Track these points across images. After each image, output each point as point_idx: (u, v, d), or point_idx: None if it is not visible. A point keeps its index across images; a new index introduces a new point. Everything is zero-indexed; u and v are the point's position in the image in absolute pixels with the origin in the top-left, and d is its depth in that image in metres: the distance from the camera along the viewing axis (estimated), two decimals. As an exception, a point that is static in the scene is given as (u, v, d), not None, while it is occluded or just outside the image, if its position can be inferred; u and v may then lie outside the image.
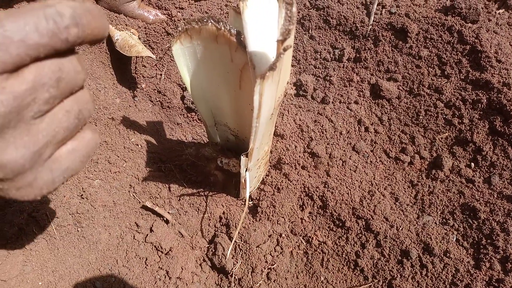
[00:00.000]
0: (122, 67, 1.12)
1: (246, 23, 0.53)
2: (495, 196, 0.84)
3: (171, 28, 1.09)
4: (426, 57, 0.99)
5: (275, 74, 0.50)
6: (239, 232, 0.90)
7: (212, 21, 0.58)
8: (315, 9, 1.09)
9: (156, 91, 1.11)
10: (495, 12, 1.04)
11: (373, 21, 1.05)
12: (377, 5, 1.06)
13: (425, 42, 0.99)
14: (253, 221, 0.92)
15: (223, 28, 0.58)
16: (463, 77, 0.95)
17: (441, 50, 0.98)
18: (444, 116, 0.95)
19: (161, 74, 1.11)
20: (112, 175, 0.98)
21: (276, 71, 0.49)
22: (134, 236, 0.92)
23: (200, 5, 1.13)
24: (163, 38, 1.11)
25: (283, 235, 0.90)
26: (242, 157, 0.72)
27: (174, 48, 0.63)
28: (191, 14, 1.11)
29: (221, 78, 0.67)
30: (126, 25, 1.08)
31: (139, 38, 1.08)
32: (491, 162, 0.88)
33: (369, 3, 1.07)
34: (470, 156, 0.90)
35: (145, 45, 1.10)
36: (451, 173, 0.91)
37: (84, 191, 0.94)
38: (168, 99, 1.10)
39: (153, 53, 1.09)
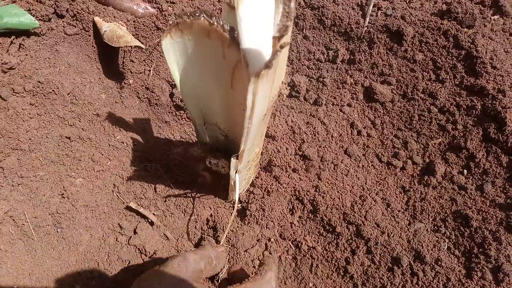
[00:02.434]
0: (109, 62, 1.08)
1: (241, 18, 0.50)
2: (488, 204, 0.83)
3: (161, 23, 1.06)
4: (421, 61, 0.97)
5: (270, 73, 0.47)
6: (226, 236, 0.87)
7: (204, 15, 0.55)
8: (309, 8, 1.07)
9: (144, 88, 1.07)
10: (490, 18, 1.03)
11: (368, 22, 1.03)
12: (373, 7, 1.04)
13: (420, 46, 0.98)
14: (241, 225, 0.89)
15: (216, 23, 0.55)
16: (457, 83, 0.94)
17: (436, 55, 0.96)
18: (437, 122, 0.93)
19: (149, 70, 1.08)
20: (95, 174, 0.95)
21: (272, 70, 0.46)
22: (117, 238, 0.88)
23: (191, 0, 1.10)
24: (152, 33, 1.07)
25: (272, 239, 0.87)
26: (232, 159, 0.70)
27: (163, 42, 0.59)
28: (183, 9, 1.08)
29: (212, 76, 0.64)
30: (114, 17, 1.04)
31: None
32: (484, 169, 0.87)
33: (364, 4, 1.05)
34: (463, 163, 0.89)
35: (133, 40, 1.06)
36: (443, 180, 0.89)
37: (65, 190, 0.90)
38: (157, 96, 1.07)
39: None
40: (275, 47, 0.44)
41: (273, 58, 0.45)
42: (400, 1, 1.06)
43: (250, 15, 0.50)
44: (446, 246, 0.82)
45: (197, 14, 0.55)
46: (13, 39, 0.94)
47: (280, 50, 0.44)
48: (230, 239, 0.87)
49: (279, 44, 0.44)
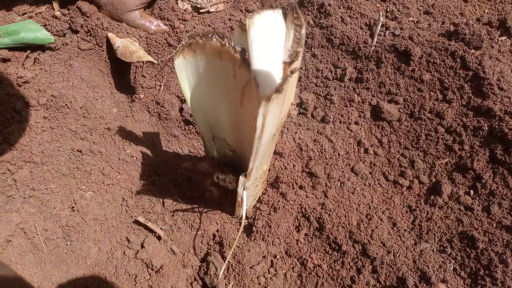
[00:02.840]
0: (121, 76, 1.10)
1: (252, 41, 0.52)
2: (494, 226, 0.83)
3: (173, 40, 1.08)
4: (428, 81, 0.98)
5: (280, 97, 0.49)
6: (232, 252, 0.88)
7: (216, 36, 0.56)
8: (318, 27, 1.09)
9: (154, 102, 1.09)
10: (498, 39, 1.04)
11: (376, 42, 1.05)
12: (381, 27, 1.06)
13: (427, 66, 0.99)
14: (247, 241, 0.90)
15: (227, 44, 0.56)
16: (464, 103, 0.94)
17: (443, 75, 0.97)
18: (444, 142, 0.94)
19: (160, 85, 1.10)
20: (105, 187, 0.96)
21: (282, 94, 0.48)
22: (124, 252, 0.89)
23: (203, 18, 1.12)
24: (164, 49, 1.09)
25: (277, 256, 0.88)
26: (241, 177, 0.70)
27: (176, 62, 0.61)
28: (194, 27, 1.10)
29: (222, 94, 0.66)
30: (127, 33, 1.07)
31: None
32: (490, 190, 0.87)
33: (372, 24, 1.07)
34: (470, 184, 0.89)
35: (145, 55, 1.09)
36: (450, 200, 0.89)
37: (75, 203, 0.91)
38: (166, 110, 1.08)
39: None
40: (286, 72, 0.46)
41: (284, 83, 0.46)
42: (408, 21, 1.08)
43: (261, 38, 0.52)
44: (452, 267, 0.82)
45: (210, 35, 0.56)
46: (29, 54, 0.96)
47: (291, 75, 0.46)
48: (236, 255, 0.87)
49: (290, 70, 0.45)
